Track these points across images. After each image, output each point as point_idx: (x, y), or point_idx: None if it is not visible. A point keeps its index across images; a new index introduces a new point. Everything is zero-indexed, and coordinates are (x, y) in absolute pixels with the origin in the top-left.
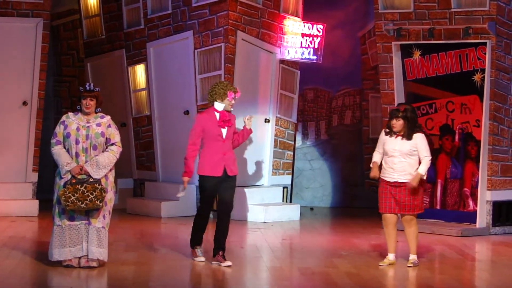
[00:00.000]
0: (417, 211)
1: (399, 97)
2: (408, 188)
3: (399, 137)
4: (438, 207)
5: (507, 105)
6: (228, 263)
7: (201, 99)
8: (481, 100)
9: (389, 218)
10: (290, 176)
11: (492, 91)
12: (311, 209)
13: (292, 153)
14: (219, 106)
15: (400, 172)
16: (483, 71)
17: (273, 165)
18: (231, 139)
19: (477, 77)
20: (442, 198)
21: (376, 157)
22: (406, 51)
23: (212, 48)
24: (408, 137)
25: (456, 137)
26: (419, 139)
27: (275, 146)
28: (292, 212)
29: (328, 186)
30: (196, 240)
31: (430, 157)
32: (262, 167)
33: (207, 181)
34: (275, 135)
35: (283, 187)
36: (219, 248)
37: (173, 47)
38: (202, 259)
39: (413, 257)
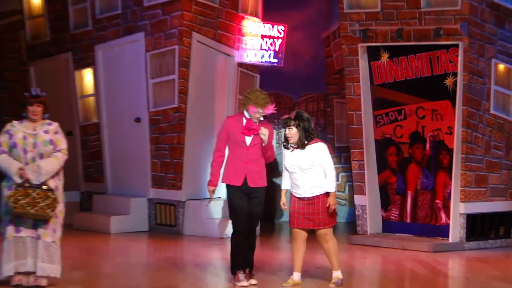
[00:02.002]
0: (330, 224)
1: (366, 102)
2: (322, 205)
3: (296, 150)
4: (408, 220)
5: (481, 110)
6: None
7: (153, 105)
8: (454, 106)
9: (298, 233)
10: None
11: (465, 96)
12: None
13: None
14: (247, 113)
15: (305, 188)
16: (455, 74)
17: None
18: (258, 149)
19: (449, 81)
20: (412, 210)
21: (284, 179)
22: (373, 54)
23: (165, 51)
24: (302, 147)
25: (427, 145)
26: (316, 149)
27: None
28: None
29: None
30: (236, 263)
31: (333, 171)
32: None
33: (231, 191)
34: None
35: None
36: (247, 265)
37: (123, 50)
38: (245, 284)
39: (336, 274)
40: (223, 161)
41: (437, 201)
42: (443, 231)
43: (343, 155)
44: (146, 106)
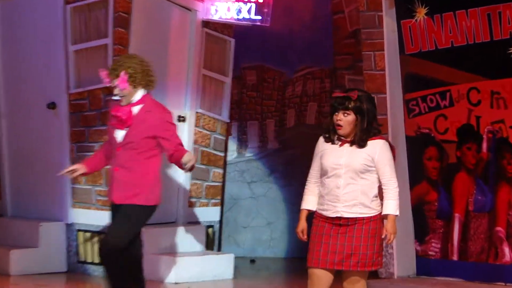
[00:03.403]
0: (370, 267)
1: (393, 81)
2: (366, 234)
3: (347, 145)
4: (455, 257)
5: None
6: None
7: (76, 84)
8: None
9: (319, 277)
10: (219, 208)
11: None
12: (252, 261)
13: (221, 171)
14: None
15: (348, 202)
16: None
17: (190, 190)
18: (137, 148)
19: None
20: (461, 243)
21: (309, 194)
22: (404, 8)
23: (94, 3)
24: (361, 143)
25: (484, 145)
26: (380, 148)
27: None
28: (221, 266)
29: (279, 224)
30: None
31: (396, 183)
32: (172, 194)
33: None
34: (195, 142)
35: (207, 226)
36: None
37: (31, 2)
38: None
39: None
40: (103, 152)
41: (498, 228)
42: (507, 273)
43: None
44: (64, 85)
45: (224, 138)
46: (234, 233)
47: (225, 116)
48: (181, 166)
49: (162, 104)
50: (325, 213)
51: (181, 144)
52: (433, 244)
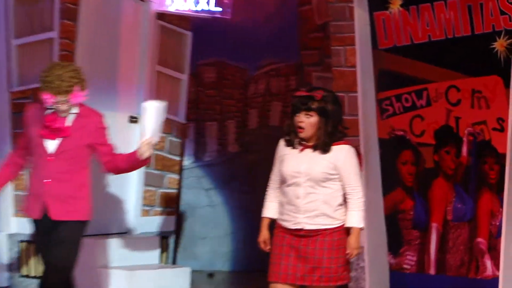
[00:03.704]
0: (337, 282)
1: (365, 78)
2: (330, 247)
3: (309, 150)
4: (432, 271)
5: None
6: None
7: (18, 81)
8: (507, 85)
9: None
10: (174, 217)
11: None
12: (210, 275)
13: (177, 177)
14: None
15: (309, 213)
16: (510, 33)
17: (144, 198)
18: (71, 159)
19: (499, 45)
20: (438, 255)
21: (271, 201)
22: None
23: None
24: (325, 148)
25: (464, 148)
26: (345, 154)
27: (147, 165)
28: (177, 280)
29: (240, 234)
30: None
31: (362, 193)
32: (123, 202)
33: (31, 228)
34: None
35: (162, 237)
36: None
37: None
38: None
39: None
40: (15, 167)
41: (479, 239)
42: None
43: None
44: (5, 83)
45: (180, 140)
46: (191, 245)
47: (181, 116)
48: (119, 171)
49: (94, 108)
50: (285, 224)
51: (116, 149)
52: (408, 257)
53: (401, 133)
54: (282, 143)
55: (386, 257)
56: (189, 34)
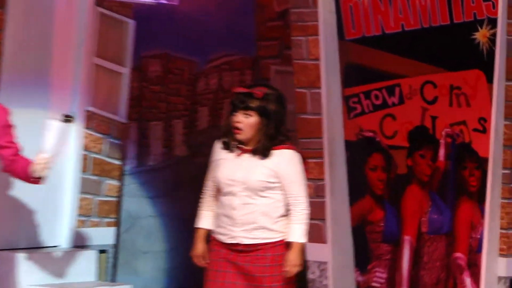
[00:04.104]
0: None
1: (329, 72)
2: (272, 263)
3: (247, 154)
4: None
5: None
6: None
7: None
8: (490, 80)
9: None
10: (114, 229)
11: (510, 63)
12: None
13: (117, 184)
14: None
15: (246, 226)
16: (493, 23)
17: (79, 207)
18: None
19: (481, 35)
20: (412, 272)
21: (205, 209)
22: None
23: None
24: (265, 152)
25: (442, 152)
26: (288, 159)
27: (83, 169)
28: None
29: (187, 248)
30: None
31: (306, 204)
32: (54, 211)
33: None
34: (85, 148)
35: (99, 251)
36: None
37: None
38: None
39: None
40: None
41: (458, 254)
42: None
43: None
44: None
45: (120, 142)
46: (132, 259)
47: (121, 115)
48: (17, 178)
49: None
50: (221, 237)
51: (20, 151)
52: (377, 274)
53: (370, 134)
54: (218, 145)
55: (353, 274)
56: (131, 23)
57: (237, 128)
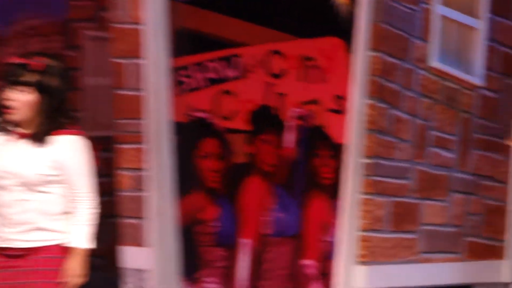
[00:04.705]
0: None
1: (154, 39)
2: (46, 269)
3: (21, 142)
4: None
5: (409, 61)
6: None
7: None
8: (349, 49)
9: None
10: None
11: (376, 28)
12: None
13: None
14: None
15: (21, 227)
16: None
17: None
18: None
19: None
20: (251, 281)
21: None
22: None
23: None
24: (39, 139)
25: (289, 136)
26: (72, 147)
27: None
28: None
29: None
30: None
31: (95, 201)
32: None
33: None
34: None
35: None
36: None
37: None
38: None
39: None
40: None
41: (306, 261)
42: None
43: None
44: None
45: None
46: None
47: None
48: None
49: None
50: None
51: None
52: (208, 284)
53: (203, 114)
54: None
55: (179, 284)
56: None
57: (9, 107)
